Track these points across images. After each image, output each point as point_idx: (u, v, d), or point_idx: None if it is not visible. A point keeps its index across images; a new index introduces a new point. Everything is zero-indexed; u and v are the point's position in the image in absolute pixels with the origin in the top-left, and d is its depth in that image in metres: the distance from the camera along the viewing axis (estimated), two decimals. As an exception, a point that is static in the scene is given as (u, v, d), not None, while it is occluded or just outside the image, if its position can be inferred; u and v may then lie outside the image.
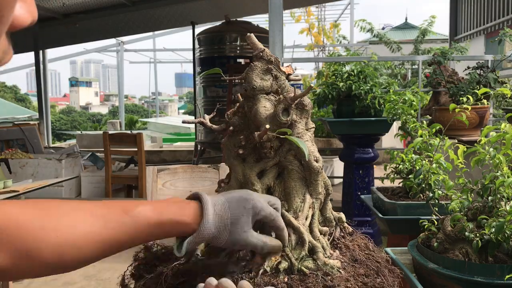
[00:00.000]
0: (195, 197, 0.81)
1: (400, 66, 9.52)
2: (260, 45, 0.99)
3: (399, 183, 1.91)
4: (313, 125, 1.02)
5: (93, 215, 0.69)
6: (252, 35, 0.99)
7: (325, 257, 0.87)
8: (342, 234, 0.99)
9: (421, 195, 1.71)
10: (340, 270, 0.85)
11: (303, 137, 0.95)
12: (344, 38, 12.28)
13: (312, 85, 0.96)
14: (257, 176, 0.96)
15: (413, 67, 9.39)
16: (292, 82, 1.04)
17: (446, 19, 9.75)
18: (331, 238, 0.96)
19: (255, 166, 0.97)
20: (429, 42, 12.71)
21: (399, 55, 9.18)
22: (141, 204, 0.74)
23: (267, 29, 4.21)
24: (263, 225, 0.85)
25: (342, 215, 1.02)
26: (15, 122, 7.34)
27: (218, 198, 0.81)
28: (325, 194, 0.98)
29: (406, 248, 1.32)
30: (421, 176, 1.54)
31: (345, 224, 1.01)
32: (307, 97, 0.96)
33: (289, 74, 1.02)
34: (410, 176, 1.62)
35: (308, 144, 0.95)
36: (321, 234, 0.94)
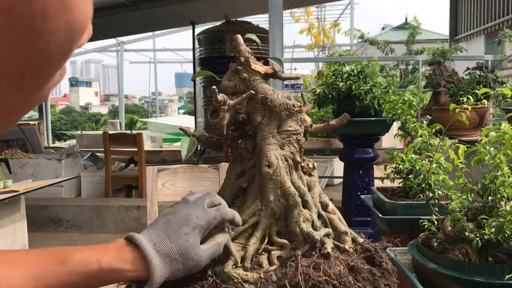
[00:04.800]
0: (128, 238, 0.76)
1: (395, 68, 9.50)
2: (240, 47, 0.98)
3: (399, 183, 1.91)
4: (293, 128, 0.95)
5: (26, 267, 0.66)
6: (239, 36, 0.99)
7: (234, 267, 0.84)
8: (313, 253, 0.88)
9: (421, 195, 1.71)
10: (245, 284, 0.81)
11: (266, 140, 0.93)
12: (332, 42, 12.22)
13: (251, 91, 0.93)
14: (239, 176, 0.98)
15: (409, 67, 9.37)
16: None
17: (446, 19, 9.75)
18: (287, 252, 0.89)
19: (238, 167, 0.98)
20: (429, 42, 12.71)
21: (394, 56, 9.17)
22: (79, 251, 0.71)
23: (267, 29, 4.22)
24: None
25: (316, 234, 0.90)
26: (15, 122, 7.32)
27: (154, 233, 0.76)
28: (286, 204, 0.91)
29: (406, 248, 1.32)
30: (421, 176, 1.54)
31: (327, 244, 0.90)
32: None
33: (267, 74, 0.99)
34: (410, 176, 1.62)
35: (270, 148, 0.92)
36: (273, 245, 0.90)
